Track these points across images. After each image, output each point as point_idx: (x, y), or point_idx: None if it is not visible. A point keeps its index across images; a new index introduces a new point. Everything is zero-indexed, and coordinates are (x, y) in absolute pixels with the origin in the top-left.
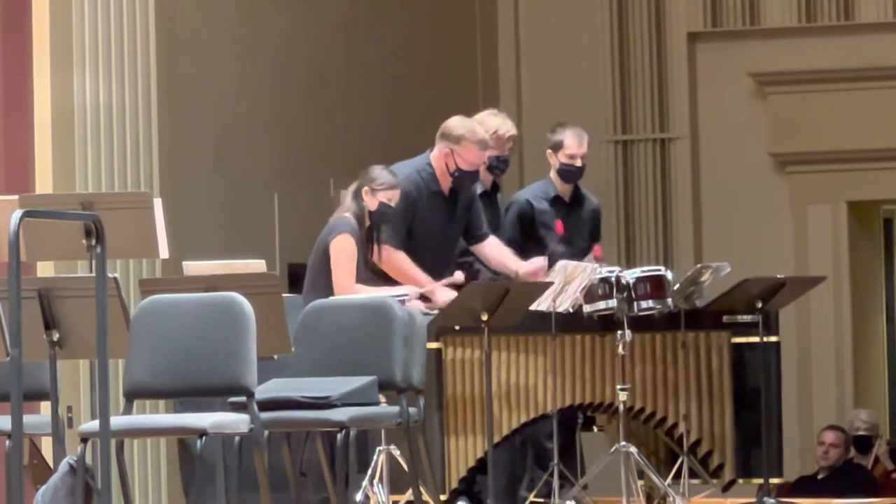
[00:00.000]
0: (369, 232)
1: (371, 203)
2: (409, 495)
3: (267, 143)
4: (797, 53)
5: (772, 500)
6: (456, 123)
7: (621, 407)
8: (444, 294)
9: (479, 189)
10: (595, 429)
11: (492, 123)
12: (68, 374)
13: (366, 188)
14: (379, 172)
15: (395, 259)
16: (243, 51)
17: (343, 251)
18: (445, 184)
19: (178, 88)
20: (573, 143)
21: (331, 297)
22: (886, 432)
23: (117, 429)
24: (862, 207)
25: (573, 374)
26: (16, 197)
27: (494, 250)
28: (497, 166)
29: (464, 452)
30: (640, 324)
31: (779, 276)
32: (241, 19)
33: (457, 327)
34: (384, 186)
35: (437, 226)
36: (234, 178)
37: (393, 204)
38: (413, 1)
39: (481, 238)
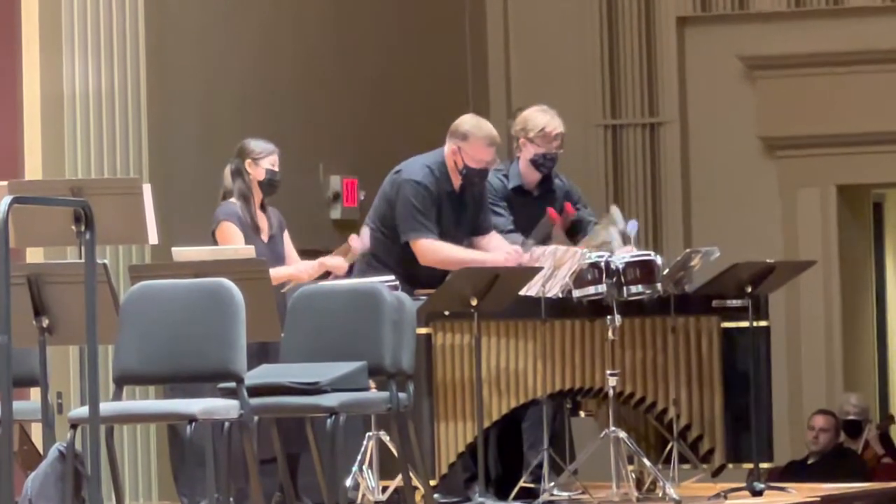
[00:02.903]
0: (263, 202)
1: (257, 174)
2: (398, 481)
3: (255, 128)
4: (787, 37)
5: (762, 485)
6: (463, 120)
7: (611, 392)
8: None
9: (536, 192)
10: (583, 414)
11: (539, 120)
12: (58, 360)
13: (248, 161)
14: (255, 143)
15: (434, 250)
16: (231, 36)
17: (227, 240)
18: (456, 182)
19: (166, 74)
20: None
21: (319, 283)
22: (876, 417)
23: (107, 415)
24: (851, 191)
25: (563, 359)
26: (5, 183)
27: (496, 244)
28: (543, 164)
29: (453, 438)
30: (630, 309)
31: (768, 260)
32: (230, 5)
33: (446, 312)
34: (264, 154)
35: (450, 226)
36: (223, 164)
37: (276, 169)
38: None
39: (485, 231)
